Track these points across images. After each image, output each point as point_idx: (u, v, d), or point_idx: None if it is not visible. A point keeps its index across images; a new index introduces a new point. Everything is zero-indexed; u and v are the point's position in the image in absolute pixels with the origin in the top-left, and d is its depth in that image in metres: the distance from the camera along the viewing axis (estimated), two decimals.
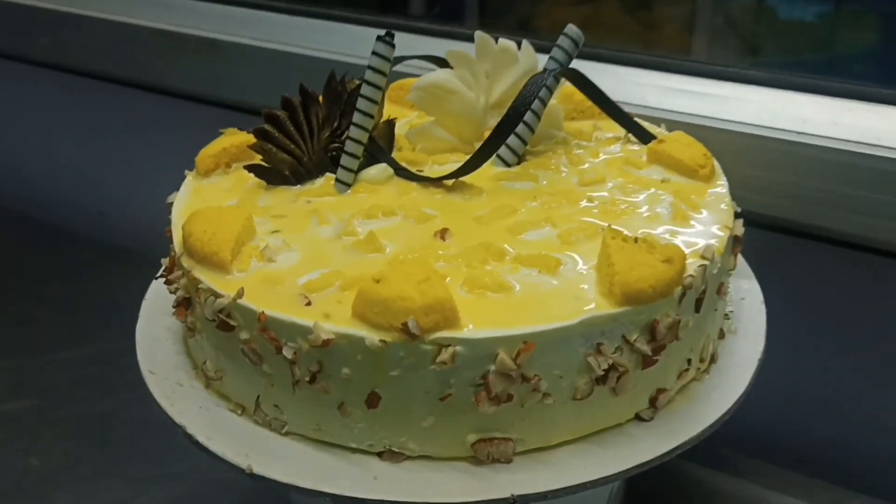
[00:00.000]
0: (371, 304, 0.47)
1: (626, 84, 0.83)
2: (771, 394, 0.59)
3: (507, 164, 0.65)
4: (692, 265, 0.52)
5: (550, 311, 0.49)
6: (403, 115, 0.75)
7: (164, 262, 0.60)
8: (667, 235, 0.56)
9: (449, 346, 0.47)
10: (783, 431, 0.82)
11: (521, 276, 0.52)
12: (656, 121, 0.76)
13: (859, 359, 0.79)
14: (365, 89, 0.61)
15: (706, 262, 0.53)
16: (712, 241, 0.55)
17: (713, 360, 0.58)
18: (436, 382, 0.48)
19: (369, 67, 0.61)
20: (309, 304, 0.50)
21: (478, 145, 0.67)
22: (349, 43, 0.97)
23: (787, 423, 0.83)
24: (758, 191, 0.75)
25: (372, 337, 0.47)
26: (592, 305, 0.49)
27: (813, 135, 0.73)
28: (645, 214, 0.58)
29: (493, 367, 0.47)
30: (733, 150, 0.75)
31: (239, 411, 0.55)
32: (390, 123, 0.68)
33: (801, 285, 0.78)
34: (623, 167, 0.65)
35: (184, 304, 0.56)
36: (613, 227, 0.55)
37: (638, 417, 0.53)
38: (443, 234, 0.56)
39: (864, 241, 0.72)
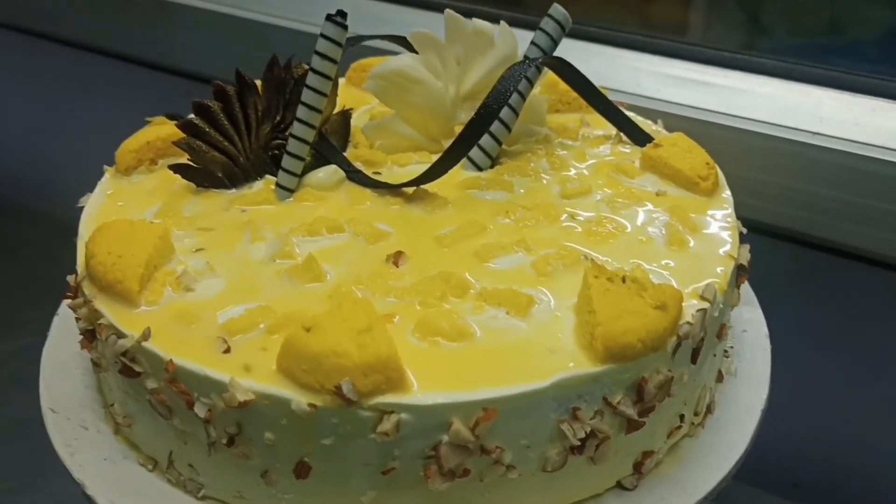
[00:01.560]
0: (299, 359, 0.39)
1: (619, 68, 0.74)
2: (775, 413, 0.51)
3: (479, 168, 0.56)
4: (689, 309, 0.44)
5: (517, 369, 0.40)
6: (364, 102, 0.65)
7: (69, 279, 0.51)
8: (659, 270, 0.47)
9: (392, 412, 0.38)
10: (780, 450, 0.74)
11: (485, 319, 0.43)
12: (651, 113, 0.67)
13: (870, 384, 0.71)
14: (311, 79, 0.52)
15: (706, 306, 0.44)
16: (713, 281, 0.46)
17: (709, 410, 0.50)
18: (376, 454, 0.39)
19: (317, 53, 0.51)
20: (228, 350, 0.41)
21: (446, 143, 0.58)
22: (316, 10, 0.87)
23: (785, 442, 0.75)
24: (764, 197, 0.66)
25: (299, 400, 0.38)
26: (570, 364, 0.40)
27: (830, 136, 0.64)
28: (635, 238, 0.50)
29: (445, 438, 0.39)
30: (737, 149, 0.67)
31: (150, 466, 0.46)
32: (345, 115, 0.59)
33: (811, 301, 0.70)
34: (612, 175, 0.56)
35: (87, 337, 0.47)
36: (596, 259, 0.47)
37: (619, 485, 0.45)
38: (396, 258, 0.47)
39: (886, 259, 0.64)
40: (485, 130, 0.53)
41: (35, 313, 1.01)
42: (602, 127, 0.62)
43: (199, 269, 0.46)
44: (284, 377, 0.39)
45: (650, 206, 0.53)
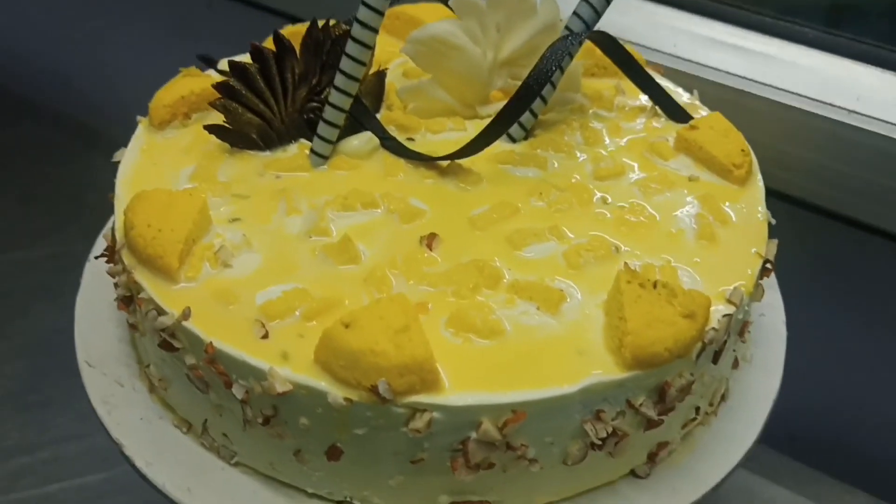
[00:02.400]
0: (337, 355, 0.40)
1: (656, 26, 0.72)
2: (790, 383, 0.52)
3: (513, 139, 0.56)
4: (716, 314, 0.45)
5: (547, 371, 0.41)
6: (397, 54, 0.64)
7: (104, 236, 0.52)
8: (688, 268, 0.47)
9: (425, 411, 0.40)
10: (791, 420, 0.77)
11: (516, 314, 0.44)
12: (686, 78, 0.66)
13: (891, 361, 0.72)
14: (351, 47, 0.51)
15: (732, 311, 0.45)
16: (741, 284, 0.47)
17: (723, 398, 0.52)
18: (407, 445, 0.41)
19: (356, 20, 0.50)
20: (266, 335, 0.42)
21: (480, 109, 0.58)
22: None
23: (796, 414, 0.77)
24: (792, 170, 0.66)
25: (335, 393, 0.40)
26: (598, 370, 0.41)
27: (866, 116, 0.64)
28: (666, 230, 0.50)
29: (474, 435, 0.41)
30: (771, 120, 0.66)
31: (184, 428, 0.48)
32: (380, 76, 0.58)
33: (833, 279, 0.70)
34: (646, 154, 0.56)
35: (125, 301, 0.48)
36: (626, 252, 0.47)
37: (633, 473, 0.47)
38: (430, 241, 0.48)
39: None
40: (526, 108, 0.52)
41: (52, 222, 1.02)
42: (637, 96, 0.61)
43: (236, 243, 0.47)
44: (321, 369, 0.40)
45: (682, 192, 0.53)
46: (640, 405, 0.43)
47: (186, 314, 0.43)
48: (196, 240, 0.47)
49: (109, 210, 0.53)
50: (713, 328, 0.44)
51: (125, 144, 0.54)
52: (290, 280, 0.45)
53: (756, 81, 0.67)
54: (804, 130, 0.65)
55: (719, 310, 0.45)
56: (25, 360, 0.86)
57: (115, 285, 0.49)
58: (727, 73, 0.68)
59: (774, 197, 0.53)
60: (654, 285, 0.43)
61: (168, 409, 0.49)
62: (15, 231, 1.02)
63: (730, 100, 0.60)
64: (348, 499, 0.45)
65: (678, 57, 0.69)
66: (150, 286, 0.45)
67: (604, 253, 0.48)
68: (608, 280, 0.45)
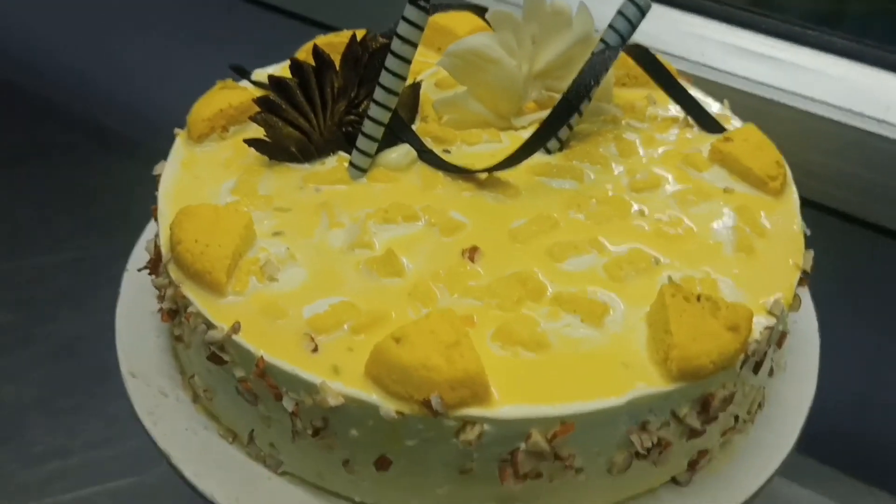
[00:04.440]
0: (389, 369, 0.40)
1: (684, 35, 0.73)
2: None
3: (549, 151, 0.57)
4: (757, 326, 0.45)
5: (594, 384, 0.42)
6: (428, 63, 0.65)
7: (148, 245, 0.52)
8: (727, 279, 0.48)
9: (476, 423, 0.40)
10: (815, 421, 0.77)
11: (560, 327, 0.45)
12: (715, 87, 0.67)
13: None
14: (392, 62, 0.51)
15: (773, 322, 0.46)
16: (780, 296, 0.47)
17: (759, 406, 0.52)
18: (456, 456, 0.42)
19: (397, 36, 0.51)
20: (315, 349, 0.43)
21: (515, 121, 0.59)
22: None
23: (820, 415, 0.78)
24: (823, 179, 0.66)
25: (387, 407, 0.41)
26: (644, 382, 0.42)
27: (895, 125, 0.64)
28: (704, 242, 0.51)
29: (523, 446, 0.41)
30: (800, 129, 0.67)
31: (230, 438, 0.49)
32: (415, 88, 0.59)
33: (863, 287, 0.71)
34: (681, 166, 0.56)
35: (169, 314, 0.49)
36: (667, 265, 0.48)
37: (674, 480, 0.48)
38: (472, 253, 0.48)
39: None
40: (565, 122, 0.53)
41: (73, 227, 1.02)
42: (668, 106, 0.62)
43: (281, 257, 0.48)
44: (373, 383, 0.41)
45: (718, 204, 0.53)
46: (685, 416, 0.43)
47: (237, 328, 0.44)
48: (242, 254, 0.47)
49: (130, 214, 0.54)
50: (756, 340, 0.45)
51: (144, 147, 0.55)
52: (336, 293, 0.46)
53: (785, 91, 0.68)
54: (833, 140, 0.65)
55: (760, 322, 0.46)
56: (51, 366, 0.86)
57: (160, 297, 0.49)
58: (756, 82, 0.69)
59: (803, 205, 0.54)
60: (699, 298, 0.44)
61: (213, 419, 0.50)
62: (37, 236, 1.03)
63: (759, 109, 0.60)
64: None
65: (707, 66, 0.70)
66: (199, 301, 0.45)
67: (644, 266, 0.48)
68: (650, 292, 0.46)
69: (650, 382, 0.42)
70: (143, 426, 0.49)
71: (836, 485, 0.76)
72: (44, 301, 0.93)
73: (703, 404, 0.44)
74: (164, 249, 0.48)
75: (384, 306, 0.45)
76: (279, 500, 0.46)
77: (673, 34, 0.71)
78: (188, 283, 0.46)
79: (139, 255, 0.58)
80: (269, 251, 0.48)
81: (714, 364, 0.42)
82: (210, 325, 0.44)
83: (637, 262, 0.48)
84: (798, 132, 0.65)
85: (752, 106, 0.61)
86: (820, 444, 0.71)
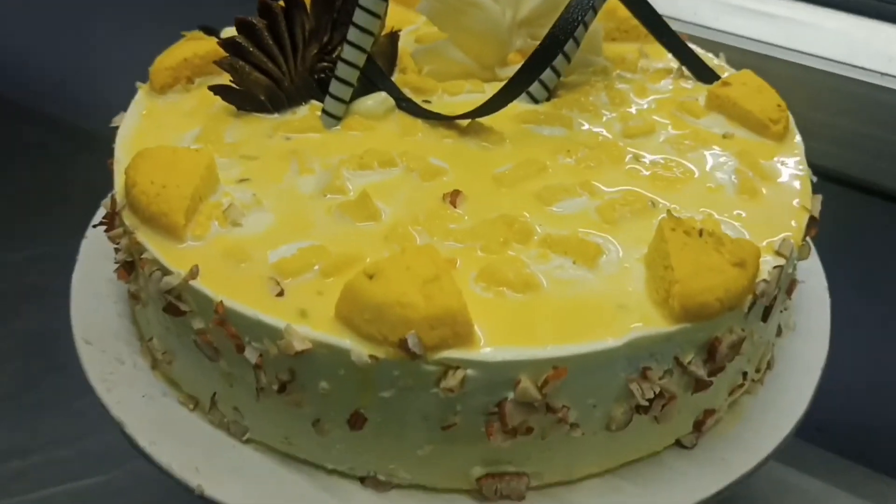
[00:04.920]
0: (361, 308, 0.36)
1: None
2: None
3: (535, 100, 0.53)
4: (765, 266, 0.42)
5: (588, 325, 0.38)
6: (408, 21, 0.62)
7: (104, 204, 0.49)
8: (731, 221, 0.44)
9: (458, 368, 0.36)
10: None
11: (550, 268, 0.41)
12: (708, 44, 0.63)
13: None
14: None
15: (782, 262, 0.42)
16: (789, 235, 0.43)
17: (769, 365, 0.48)
18: (438, 408, 0.38)
19: None
20: (281, 293, 0.39)
21: (499, 71, 0.55)
22: None
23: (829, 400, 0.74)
24: (824, 139, 0.63)
25: (359, 350, 0.36)
26: (643, 322, 0.38)
27: None
28: (704, 185, 0.47)
29: (511, 395, 0.37)
30: (797, 87, 0.63)
31: (191, 405, 0.45)
32: (393, 37, 0.55)
33: (871, 252, 0.67)
34: (676, 113, 0.53)
35: (126, 268, 0.45)
36: (664, 207, 0.44)
37: (678, 443, 0.44)
38: (454, 197, 0.45)
39: None
40: (549, 63, 0.49)
41: (40, 223, 0.98)
42: (662, 59, 0.59)
43: (246, 202, 0.44)
44: (343, 325, 0.37)
45: (717, 150, 0.50)
46: (689, 363, 0.39)
47: (194, 272, 0.40)
48: (203, 198, 0.43)
49: (98, 208, 0.51)
50: (764, 280, 0.41)
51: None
52: (305, 238, 0.42)
53: (780, 46, 0.65)
54: (834, 96, 0.62)
55: (769, 261, 0.42)
56: (17, 363, 0.82)
57: (116, 251, 0.45)
58: (750, 38, 0.66)
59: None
60: (700, 233, 0.40)
61: (173, 386, 0.46)
62: (2, 233, 0.99)
63: (755, 66, 0.56)
64: (372, 474, 0.41)
65: (699, 24, 0.67)
66: (154, 245, 0.41)
67: (640, 207, 0.45)
68: (647, 234, 0.42)
69: (650, 323, 0.38)
70: (96, 394, 0.45)
71: (845, 474, 0.72)
72: (9, 298, 0.89)
73: (710, 350, 0.40)
74: (119, 196, 0.44)
75: (358, 249, 0.41)
76: (243, 469, 0.42)
77: None
78: (143, 229, 0.42)
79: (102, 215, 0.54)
80: (234, 196, 0.44)
81: (720, 302, 0.38)
82: (166, 272, 0.40)
83: (633, 204, 0.45)
84: (797, 89, 0.62)
85: (748, 63, 0.57)
86: (827, 431, 0.67)
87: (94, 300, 0.50)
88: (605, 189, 0.46)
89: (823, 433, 0.73)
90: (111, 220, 0.46)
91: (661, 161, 0.48)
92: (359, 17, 0.48)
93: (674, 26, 0.58)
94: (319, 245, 0.41)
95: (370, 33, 0.49)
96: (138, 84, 0.53)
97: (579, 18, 0.49)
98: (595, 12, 0.52)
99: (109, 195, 0.47)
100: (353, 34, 0.48)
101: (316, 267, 0.40)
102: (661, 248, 0.40)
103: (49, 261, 0.93)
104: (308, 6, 0.50)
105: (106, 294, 0.51)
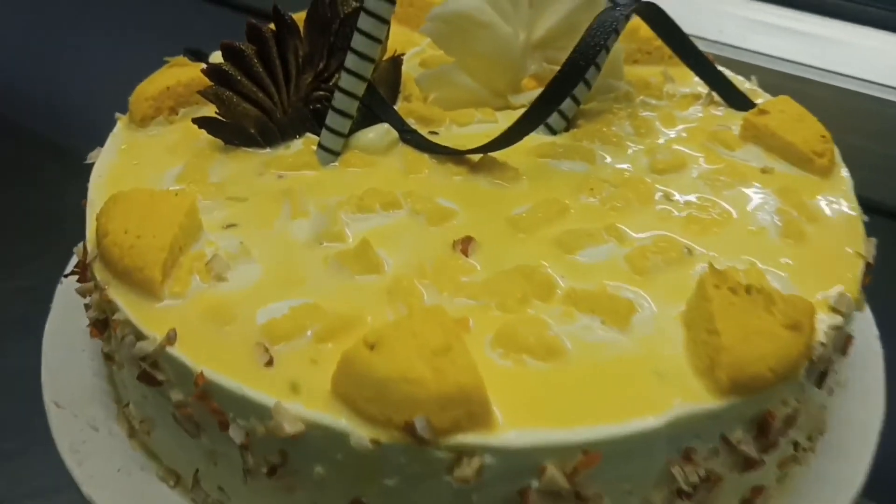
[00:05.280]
0: (360, 383, 0.31)
1: (698, 10, 0.65)
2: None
3: (553, 131, 0.48)
4: (821, 325, 0.37)
5: (623, 400, 0.33)
6: (412, 42, 0.57)
7: (76, 250, 0.44)
8: (777, 271, 0.39)
9: (474, 454, 0.31)
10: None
11: (576, 329, 0.36)
12: (738, 66, 0.58)
13: None
14: (364, 22, 0.43)
15: (840, 321, 0.37)
16: (843, 289, 0.38)
17: (820, 431, 0.43)
18: (451, 499, 0.33)
19: None
20: (270, 362, 0.34)
21: (512, 98, 0.50)
22: None
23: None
24: (865, 167, 0.58)
25: (359, 434, 0.31)
26: (686, 399, 0.33)
27: None
28: (743, 227, 0.42)
29: (535, 484, 0.32)
30: (837, 111, 0.58)
31: (171, 481, 0.40)
32: (395, 62, 0.51)
33: None
34: (708, 144, 0.48)
35: (98, 327, 0.40)
36: (703, 254, 0.39)
37: None
38: (465, 245, 0.40)
39: None
40: (569, 92, 0.45)
41: (28, 251, 0.94)
42: (688, 83, 0.54)
43: (232, 252, 0.39)
44: (341, 403, 0.32)
45: (756, 187, 0.45)
46: (738, 441, 0.34)
47: (171, 338, 0.35)
48: (183, 248, 0.38)
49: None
50: (821, 342, 0.36)
51: None
52: (298, 294, 0.37)
53: (816, 67, 0.60)
54: (876, 120, 0.57)
55: (824, 320, 0.37)
56: None
57: (87, 307, 0.40)
58: (781, 59, 0.61)
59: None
60: (748, 290, 0.35)
61: (152, 458, 0.41)
62: None
63: (789, 89, 0.52)
64: None
65: (726, 44, 0.62)
66: (127, 305, 0.36)
67: (675, 255, 0.40)
68: (683, 287, 0.37)
69: (693, 397, 0.33)
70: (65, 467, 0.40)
71: None
72: None
73: (761, 426, 0.35)
74: (91, 246, 0.39)
75: (357, 308, 0.36)
76: None
77: (686, 9, 0.63)
78: (116, 285, 0.37)
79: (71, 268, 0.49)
80: (219, 245, 0.39)
81: (773, 372, 0.33)
82: (140, 336, 0.35)
83: (666, 252, 0.40)
84: (836, 114, 0.57)
85: (783, 86, 0.53)
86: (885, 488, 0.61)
87: (67, 354, 0.46)
88: (634, 235, 0.41)
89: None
90: (83, 271, 0.42)
91: (696, 201, 0.43)
92: (357, 41, 0.43)
93: (698, 45, 0.53)
94: (313, 303, 0.36)
95: (370, 60, 0.44)
96: (117, 116, 0.49)
97: (602, 43, 0.44)
98: (617, 34, 0.47)
99: (82, 242, 0.43)
100: (351, 61, 0.44)
101: (309, 332, 0.35)
102: (704, 309, 0.35)
103: (32, 293, 0.88)
104: (302, 30, 0.45)
105: (81, 347, 0.46)
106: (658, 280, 0.39)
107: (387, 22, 0.43)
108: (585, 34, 0.45)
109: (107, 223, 0.38)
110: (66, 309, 0.48)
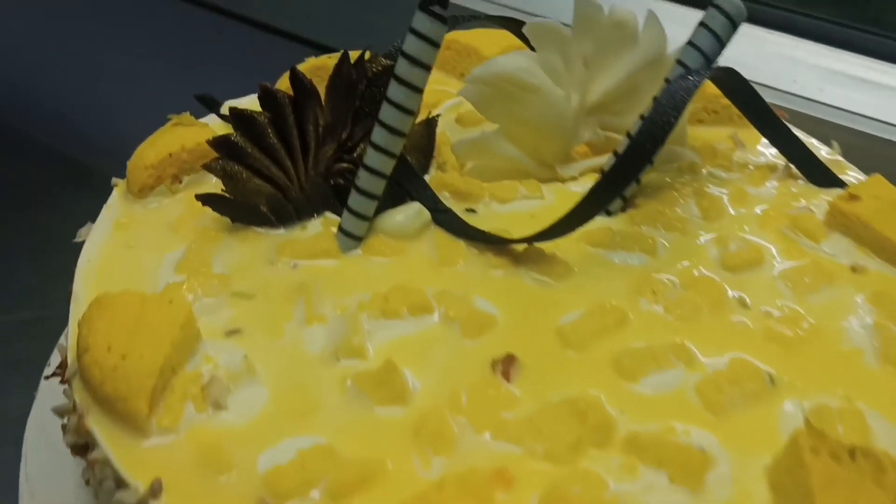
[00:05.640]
0: None
1: (769, 57, 0.58)
2: None
3: (608, 212, 0.42)
4: None
5: None
6: (447, 93, 0.51)
7: (60, 347, 0.39)
8: (879, 412, 0.33)
9: None
10: None
11: (639, 489, 0.30)
12: (811, 122, 0.52)
13: None
14: (395, 91, 0.37)
15: None
16: None
17: None
18: None
19: (402, 54, 0.36)
20: None
21: (560, 169, 0.44)
22: None
23: None
24: None
25: None
26: None
27: None
28: (834, 347, 0.36)
29: None
30: None
31: None
32: (429, 125, 0.45)
33: None
34: (787, 232, 0.42)
35: (79, 451, 0.35)
36: (789, 385, 0.33)
37: None
38: (507, 366, 0.34)
39: None
40: (634, 176, 0.39)
41: (38, 281, 0.89)
42: (759, 149, 0.47)
43: (234, 370, 0.33)
44: None
45: (847, 290, 0.39)
46: None
47: (156, 490, 0.29)
48: (177, 368, 0.33)
49: None
50: None
51: None
52: (308, 429, 0.31)
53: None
54: None
55: None
56: None
57: (65, 430, 0.35)
58: (861, 115, 0.54)
59: None
60: (852, 454, 0.29)
61: None
62: None
63: (874, 152, 0.45)
64: None
65: (800, 96, 0.55)
66: (108, 441, 0.31)
67: (754, 387, 0.34)
68: (766, 430, 0.32)
69: None
70: None
71: None
72: None
73: None
74: (70, 356, 0.34)
75: (377, 452, 0.30)
76: None
77: (755, 56, 0.57)
78: (95, 412, 0.32)
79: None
80: (218, 361, 0.34)
81: None
82: (120, 482, 0.30)
83: (744, 382, 0.34)
84: None
85: (865, 148, 0.46)
86: None
87: (50, 462, 0.40)
88: (705, 359, 0.35)
89: None
90: (63, 371, 0.36)
91: (776, 313, 0.37)
92: (387, 114, 0.37)
93: (768, 97, 0.47)
94: (326, 445, 0.31)
95: (401, 134, 0.38)
96: (114, 182, 0.43)
97: (672, 121, 0.38)
98: (687, 103, 0.41)
99: (64, 331, 0.38)
100: (379, 136, 0.38)
101: (320, 485, 0.29)
102: (799, 477, 0.29)
103: (39, 327, 0.84)
104: (323, 96, 0.39)
105: (65, 451, 0.40)
106: (735, 420, 0.33)
107: (420, 91, 0.37)
108: (653, 108, 0.38)
109: (88, 335, 0.32)
110: (48, 404, 0.43)
